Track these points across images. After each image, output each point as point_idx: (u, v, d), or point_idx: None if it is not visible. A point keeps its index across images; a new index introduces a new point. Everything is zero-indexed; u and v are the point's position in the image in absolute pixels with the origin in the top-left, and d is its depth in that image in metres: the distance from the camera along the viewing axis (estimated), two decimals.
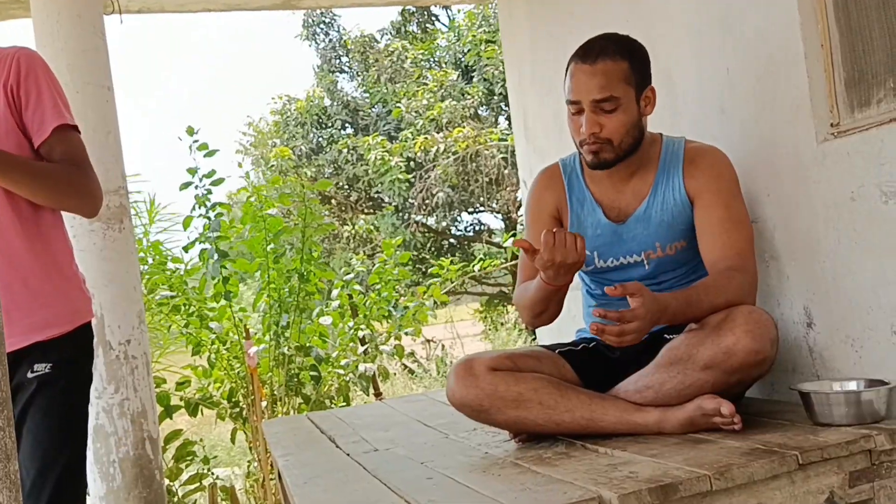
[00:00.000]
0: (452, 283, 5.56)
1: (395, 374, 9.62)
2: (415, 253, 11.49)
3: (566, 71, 2.01)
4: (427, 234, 12.03)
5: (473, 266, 5.80)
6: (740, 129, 2.16)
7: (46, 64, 1.88)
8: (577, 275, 2.09)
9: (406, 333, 4.87)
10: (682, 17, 2.37)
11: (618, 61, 1.95)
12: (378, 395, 4.89)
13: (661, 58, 2.48)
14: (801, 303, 1.99)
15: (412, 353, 9.71)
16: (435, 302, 5.18)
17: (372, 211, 12.94)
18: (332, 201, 12.57)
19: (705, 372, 1.76)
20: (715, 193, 1.95)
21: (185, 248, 4.65)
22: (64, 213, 1.96)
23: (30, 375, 1.81)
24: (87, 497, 2.11)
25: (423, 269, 10.48)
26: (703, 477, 1.49)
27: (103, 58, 3.10)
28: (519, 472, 1.70)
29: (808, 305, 1.97)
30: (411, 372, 9.54)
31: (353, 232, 12.31)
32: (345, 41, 14.28)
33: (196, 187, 4.54)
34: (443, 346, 10.18)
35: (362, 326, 4.77)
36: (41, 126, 1.83)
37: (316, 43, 14.73)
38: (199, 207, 4.56)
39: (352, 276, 5.16)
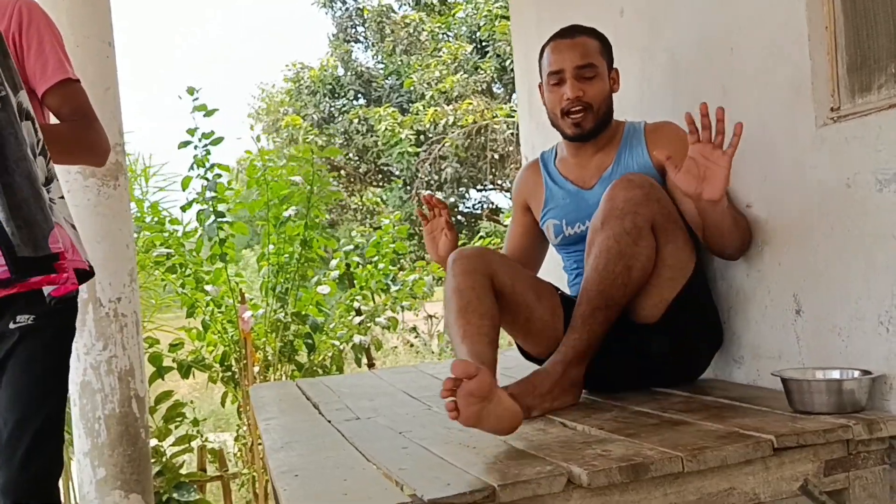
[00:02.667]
0: None
1: (395, 347, 9.64)
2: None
3: (542, 53, 2.22)
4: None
5: (474, 243, 5.77)
6: (740, 111, 2.11)
7: (48, 15, 1.88)
8: (553, 250, 2.43)
9: (402, 307, 4.86)
10: None
11: (592, 38, 2.21)
12: (371, 366, 4.88)
13: (666, 36, 2.44)
14: (792, 290, 1.96)
15: (414, 328, 9.71)
16: (434, 278, 5.16)
17: (380, 184, 12.91)
18: (342, 172, 12.55)
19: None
20: (681, 156, 1.97)
21: (183, 208, 4.65)
22: (56, 166, 1.95)
23: (12, 326, 1.79)
24: (71, 452, 2.12)
25: None
26: (675, 458, 1.47)
27: (104, 12, 3.07)
28: (494, 446, 1.69)
29: (797, 293, 1.94)
30: (412, 346, 9.56)
31: (360, 203, 12.29)
32: (362, 10, 14.19)
33: (195, 147, 4.53)
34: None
35: (358, 298, 4.76)
36: (43, 75, 1.85)
37: (332, 11, 14.65)
38: (198, 168, 4.54)
39: (351, 247, 5.14)
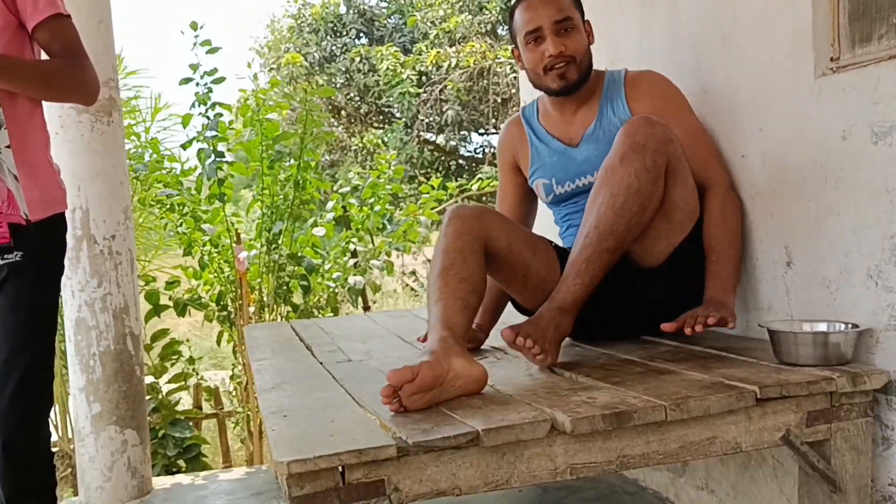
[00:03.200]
0: (447, 202, 5.50)
1: (395, 290, 9.66)
2: (422, 171, 11.41)
3: (512, 15, 2.19)
4: (435, 153, 11.92)
5: (472, 186, 5.74)
6: (739, 61, 2.09)
7: None
8: (547, 206, 2.39)
9: (397, 249, 4.85)
10: None
11: None
12: (366, 308, 4.90)
13: None
14: (783, 242, 1.95)
15: (414, 272, 9.73)
16: (431, 222, 5.14)
17: (381, 125, 12.81)
18: (342, 112, 12.45)
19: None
20: (663, 112, 2.05)
21: (184, 146, 4.61)
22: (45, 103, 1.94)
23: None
24: (67, 388, 2.14)
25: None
26: (658, 407, 1.49)
27: None
28: (482, 392, 1.70)
29: (788, 245, 1.94)
30: (412, 290, 9.59)
31: (360, 145, 12.21)
32: None
33: (197, 84, 4.47)
34: None
35: (354, 240, 4.75)
36: (35, 10, 1.82)
37: None
38: (199, 105, 4.49)
39: (348, 189, 5.11)
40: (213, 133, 4.41)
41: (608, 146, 1.95)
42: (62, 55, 1.84)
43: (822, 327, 1.73)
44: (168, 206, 4.49)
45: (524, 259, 2.03)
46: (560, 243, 2.32)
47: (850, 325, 1.70)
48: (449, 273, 1.85)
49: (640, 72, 2.20)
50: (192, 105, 4.50)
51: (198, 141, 4.49)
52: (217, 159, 4.40)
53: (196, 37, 4.39)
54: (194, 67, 4.42)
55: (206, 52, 4.41)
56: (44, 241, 1.86)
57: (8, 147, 1.77)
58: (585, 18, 2.20)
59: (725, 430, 1.56)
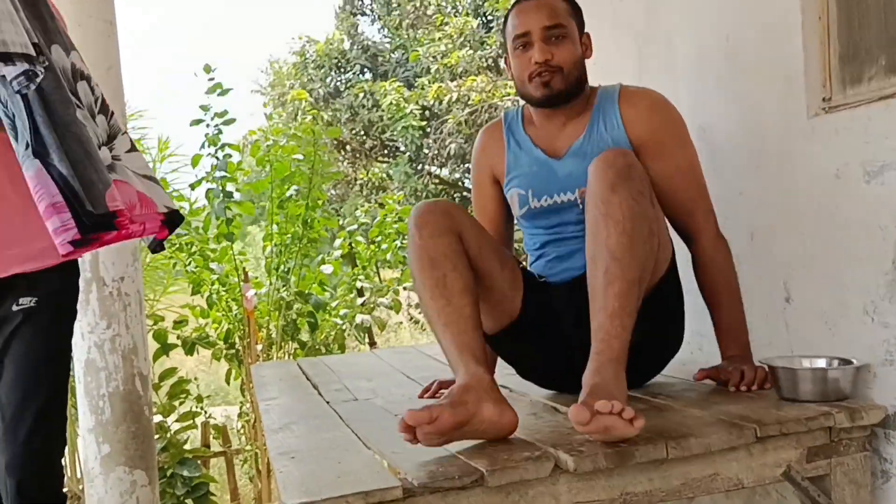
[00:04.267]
0: None
1: (400, 322, 9.67)
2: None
3: (506, 20, 2.04)
4: (440, 186, 11.99)
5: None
6: (735, 99, 2.13)
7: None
8: (517, 221, 2.15)
9: (405, 288, 4.89)
10: None
11: (559, 1, 2.00)
12: (372, 344, 4.93)
13: (663, 21, 2.45)
14: (781, 278, 1.99)
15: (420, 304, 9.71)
16: None
17: (386, 159, 12.90)
18: (347, 147, 12.54)
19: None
20: (663, 139, 1.94)
21: (192, 186, 4.67)
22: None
23: (15, 308, 1.84)
24: (77, 429, 2.16)
25: None
26: (659, 445, 1.51)
27: None
28: None
29: (787, 281, 1.97)
30: (417, 322, 9.59)
31: (366, 179, 12.29)
32: None
33: (207, 126, 4.55)
34: None
35: (361, 277, 4.79)
36: None
37: None
38: (209, 146, 4.56)
39: (355, 227, 5.16)
40: (223, 173, 4.47)
41: None
42: None
43: (821, 363, 1.76)
44: (177, 246, 4.54)
45: (491, 268, 1.86)
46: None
47: (847, 361, 1.73)
48: (446, 287, 1.69)
49: (638, 88, 2.03)
50: (202, 146, 4.57)
51: (206, 181, 4.56)
52: (226, 199, 4.46)
53: (211, 79, 4.48)
54: (205, 108, 4.50)
55: (218, 95, 4.49)
56: (59, 286, 1.90)
57: (130, 151, 1.81)
58: (585, 31, 2.05)
59: (727, 466, 1.58)
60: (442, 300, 1.68)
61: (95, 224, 1.67)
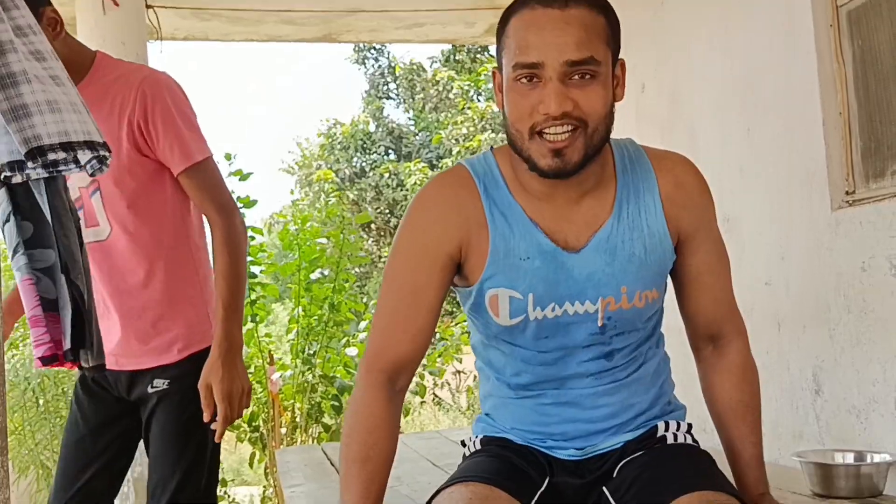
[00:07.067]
0: None
1: (423, 402, 9.60)
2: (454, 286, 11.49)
3: (505, 21, 1.30)
4: None
5: None
6: (758, 190, 2.16)
7: (173, 85, 1.81)
8: (480, 338, 1.46)
9: (430, 373, 4.87)
10: (705, 74, 2.39)
11: (594, 13, 1.26)
12: None
13: (686, 112, 2.50)
14: (811, 369, 1.97)
15: (446, 383, 9.69)
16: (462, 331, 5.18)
17: None
18: (372, 226, 12.69)
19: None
20: (698, 229, 1.40)
21: None
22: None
23: (150, 391, 1.91)
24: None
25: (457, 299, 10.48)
26: None
27: None
28: None
29: (816, 372, 1.96)
30: (440, 403, 9.53)
31: None
32: (394, 68, 14.48)
33: None
34: (475, 377, 10.18)
35: None
36: (171, 163, 1.80)
37: (365, 68, 14.96)
38: None
39: None
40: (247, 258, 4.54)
41: (629, 263, 1.34)
42: (201, 206, 1.85)
43: (853, 459, 1.73)
44: None
45: None
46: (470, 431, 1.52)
47: (881, 456, 1.70)
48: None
49: (670, 156, 1.43)
50: None
51: None
52: (250, 280, 4.51)
53: (230, 165, 4.59)
54: None
55: (239, 181, 4.59)
56: (188, 369, 1.93)
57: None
58: (619, 57, 1.32)
59: None
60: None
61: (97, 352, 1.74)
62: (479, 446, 1.45)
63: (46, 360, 1.67)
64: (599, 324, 1.34)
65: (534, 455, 1.39)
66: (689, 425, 1.43)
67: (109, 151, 1.47)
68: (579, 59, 1.23)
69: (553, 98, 1.22)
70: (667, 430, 1.39)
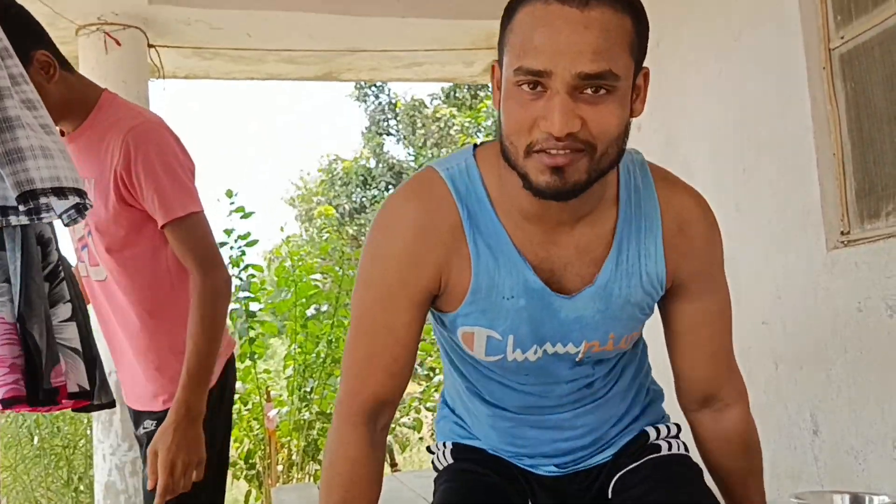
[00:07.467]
0: None
1: (422, 438, 9.52)
2: None
3: (511, 12, 1.06)
4: None
5: None
6: (754, 229, 2.17)
7: (162, 137, 1.76)
8: (456, 366, 1.33)
9: (426, 408, 4.85)
10: (701, 115, 2.41)
11: (619, 13, 1.05)
12: (393, 465, 4.86)
13: (681, 153, 2.52)
14: (808, 409, 1.97)
15: None
16: None
17: None
18: None
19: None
20: (708, 280, 1.25)
21: None
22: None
23: (141, 431, 1.90)
24: None
25: None
26: None
27: None
28: None
29: (814, 412, 1.95)
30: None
31: None
32: (394, 104, 14.60)
33: (231, 248, 4.63)
34: None
35: None
36: (155, 215, 1.80)
37: (366, 104, 15.08)
38: (233, 268, 4.63)
39: None
40: (246, 294, 4.53)
41: (622, 310, 1.20)
42: (183, 261, 1.82)
43: (851, 501, 1.72)
44: None
45: None
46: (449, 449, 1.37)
47: (879, 499, 1.69)
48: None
49: (681, 199, 1.22)
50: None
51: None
52: (249, 318, 4.50)
53: (231, 203, 4.59)
54: (228, 232, 4.60)
55: (241, 218, 4.59)
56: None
57: (65, 321, 1.85)
58: (643, 66, 1.13)
59: None
60: None
61: (45, 398, 1.72)
62: (450, 459, 1.35)
63: (6, 403, 1.66)
64: (577, 359, 1.23)
65: (511, 472, 1.31)
66: (679, 427, 1.35)
67: (90, 201, 1.49)
68: (594, 73, 1.02)
69: (558, 115, 1.02)
70: (658, 436, 1.32)
